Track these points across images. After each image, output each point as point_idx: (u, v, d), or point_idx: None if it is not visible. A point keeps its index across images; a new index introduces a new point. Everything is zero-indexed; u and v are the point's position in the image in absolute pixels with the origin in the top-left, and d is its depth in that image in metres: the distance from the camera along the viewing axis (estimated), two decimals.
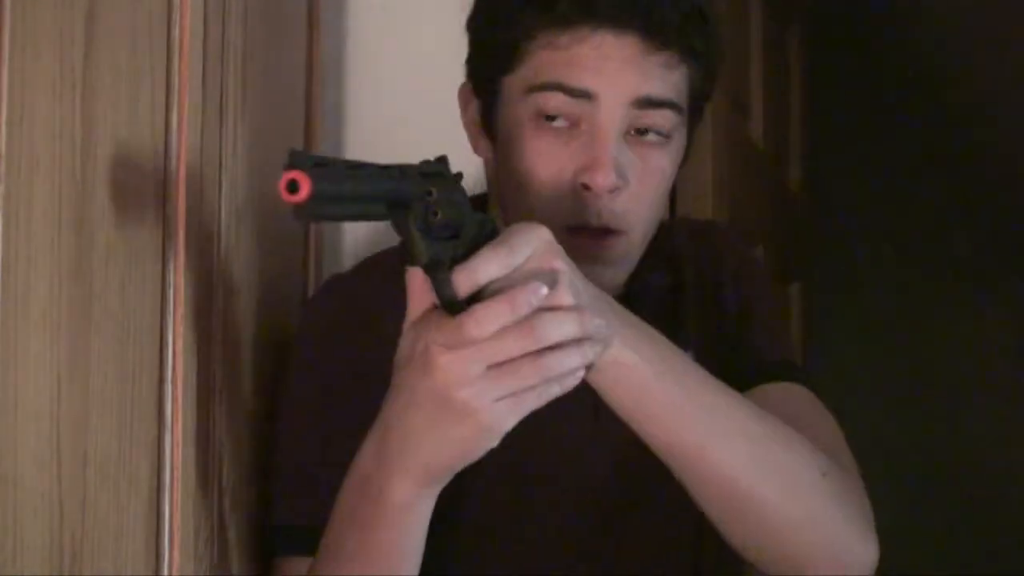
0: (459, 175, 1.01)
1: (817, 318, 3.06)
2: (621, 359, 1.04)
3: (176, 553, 1.08)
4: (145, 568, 1.05)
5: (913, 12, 3.44)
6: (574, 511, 1.24)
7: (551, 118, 1.19)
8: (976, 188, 3.40)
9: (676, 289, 1.32)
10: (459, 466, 1.00)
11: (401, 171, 0.96)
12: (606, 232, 1.19)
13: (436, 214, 0.96)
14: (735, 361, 1.28)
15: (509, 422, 0.97)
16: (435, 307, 0.98)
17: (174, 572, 1.07)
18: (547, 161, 1.18)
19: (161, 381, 1.08)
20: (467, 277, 0.96)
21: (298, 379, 1.24)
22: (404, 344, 1.00)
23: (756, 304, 1.35)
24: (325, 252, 1.51)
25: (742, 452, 1.10)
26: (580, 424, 1.22)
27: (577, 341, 0.98)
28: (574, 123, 1.19)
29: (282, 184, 0.87)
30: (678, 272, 1.33)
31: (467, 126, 1.27)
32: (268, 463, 1.24)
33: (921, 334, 3.39)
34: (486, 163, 1.28)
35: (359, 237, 1.58)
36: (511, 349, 0.95)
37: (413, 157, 0.98)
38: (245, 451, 1.23)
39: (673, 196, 2.09)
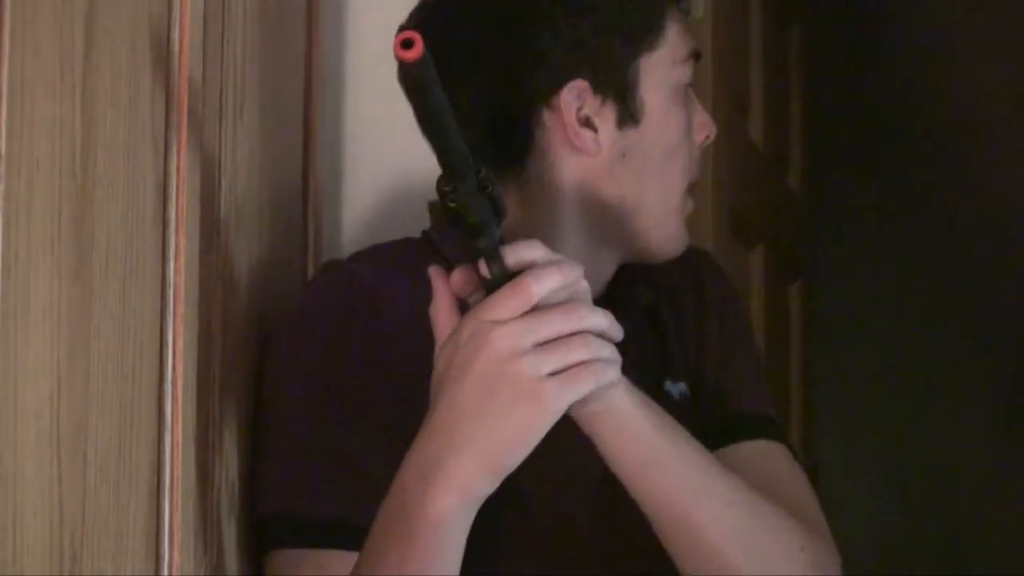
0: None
1: (817, 318, 3.06)
2: (621, 406, 1.06)
3: (176, 553, 1.08)
4: (145, 568, 1.05)
5: (913, 12, 3.45)
6: (574, 511, 1.23)
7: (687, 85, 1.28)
8: (976, 188, 3.40)
9: (655, 311, 1.33)
10: (511, 459, 0.99)
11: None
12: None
13: (486, 188, 0.99)
14: (716, 411, 1.30)
15: (563, 399, 0.98)
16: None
17: (174, 572, 1.07)
18: (689, 126, 1.28)
19: (161, 381, 1.07)
20: (513, 254, 0.99)
21: (296, 361, 1.22)
22: (440, 360, 1.01)
23: (738, 348, 1.36)
24: (325, 252, 1.51)
25: (725, 517, 1.12)
26: (558, 449, 1.21)
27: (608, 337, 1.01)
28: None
29: (397, 41, 0.91)
30: (656, 292, 1.33)
31: (571, 126, 1.23)
32: (257, 450, 1.22)
33: (921, 334, 3.39)
34: (566, 166, 1.25)
35: (359, 238, 1.58)
36: (556, 323, 0.98)
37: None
38: (245, 451, 1.23)
39: None
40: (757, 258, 2.45)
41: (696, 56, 1.28)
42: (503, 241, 1.01)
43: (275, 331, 1.25)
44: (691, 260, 1.39)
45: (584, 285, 1.02)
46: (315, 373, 1.20)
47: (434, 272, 1.03)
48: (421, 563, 1.01)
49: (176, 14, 1.10)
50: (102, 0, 0.98)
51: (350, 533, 1.07)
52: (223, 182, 1.20)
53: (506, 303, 0.97)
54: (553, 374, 0.98)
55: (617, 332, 1.02)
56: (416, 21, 1.26)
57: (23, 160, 0.88)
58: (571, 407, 1.01)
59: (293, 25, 1.47)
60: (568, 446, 1.21)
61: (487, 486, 1.00)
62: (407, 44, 0.91)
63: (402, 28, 0.94)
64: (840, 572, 1.21)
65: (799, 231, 2.95)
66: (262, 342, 1.27)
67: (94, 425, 0.97)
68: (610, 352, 1.01)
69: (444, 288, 1.02)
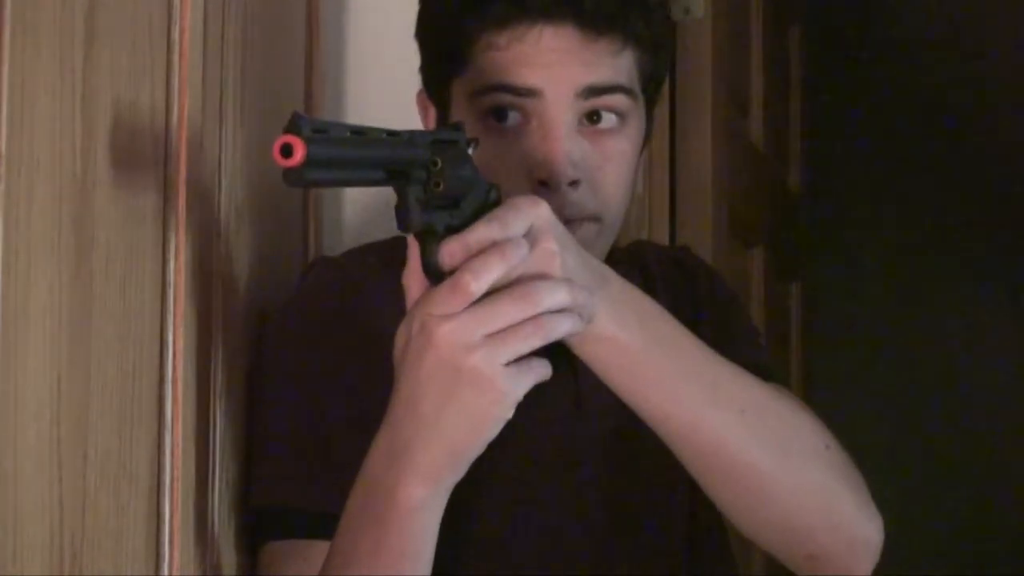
0: (473, 141, 1.01)
1: (817, 318, 3.06)
2: (605, 333, 1.05)
3: (176, 553, 1.08)
4: (145, 568, 1.05)
5: (913, 12, 3.45)
6: (561, 502, 1.23)
7: (502, 117, 1.19)
8: (976, 188, 3.40)
9: (648, 291, 1.33)
10: (476, 447, 0.99)
11: (410, 138, 0.96)
12: (568, 222, 1.17)
13: (438, 185, 0.96)
14: None
15: (521, 387, 0.97)
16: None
17: (174, 572, 1.07)
18: (501, 160, 1.16)
19: (161, 381, 1.07)
20: (457, 247, 0.96)
21: (287, 354, 1.22)
22: (399, 339, 1.00)
23: (731, 315, 1.36)
24: (326, 252, 1.51)
25: (737, 422, 1.11)
26: (563, 415, 1.22)
27: (568, 309, 0.98)
28: (525, 119, 1.18)
29: (276, 147, 0.87)
30: (650, 287, 1.33)
31: (426, 127, 1.26)
32: (249, 442, 1.21)
33: (921, 334, 3.39)
34: None
35: (359, 238, 1.58)
36: (509, 313, 0.96)
37: None
38: (245, 451, 1.23)
39: (673, 196, 2.10)
40: (757, 258, 2.46)
41: (504, 88, 1.18)
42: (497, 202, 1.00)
43: (267, 325, 1.26)
44: (675, 255, 1.42)
45: (545, 218, 0.99)
46: (306, 366, 1.20)
47: (410, 240, 1.00)
48: (396, 548, 1.01)
49: (176, 14, 1.10)
50: (102, 0, 0.98)
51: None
52: (223, 182, 1.20)
53: (447, 300, 0.95)
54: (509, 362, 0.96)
55: (583, 298, 1.00)
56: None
57: (23, 160, 0.88)
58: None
59: (293, 25, 1.47)
60: (554, 444, 1.21)
61: (455, 473, 1.00)
62: (286, 151, 0.88)
63: (290, 122, 0.89)
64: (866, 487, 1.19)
65: (799, 231, 2.95)
66: (257, 339, 1.27)
67: (94, 425, 0.97)
68: (569, 325, 0.98)
69: (417, 254, 1.00)
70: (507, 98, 1.18)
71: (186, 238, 1.10)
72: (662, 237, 2.01)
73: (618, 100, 1.20)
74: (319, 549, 1.09)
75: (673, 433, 1.11)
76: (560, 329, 0.98)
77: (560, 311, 0.98)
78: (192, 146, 1.11)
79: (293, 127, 0.88)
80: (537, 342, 0.97)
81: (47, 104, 0.91)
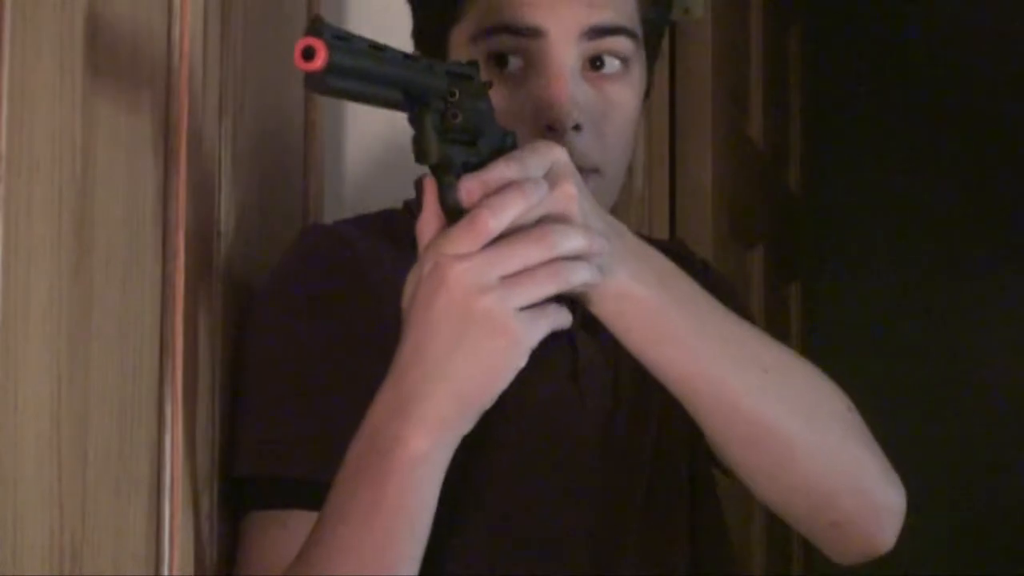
0: (488, 84, 1.00)
1: (817, 318, 3.06)
2: (624, 289, 1.02)
3: (176, 553, 1.07)
4: (145, 568, 1.05)
5: (913, 11, 3.45)
6: (554, 477, 1.20)
7: (503, 63, 1.16)
8: (976, 187, 3.40)
9: None
10: (485, 397, 0.96)
11: (428, 65, 0.94)
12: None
13: (456, 116, 0.94)
14: None
15: (535, 334, 0.95)
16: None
17: (174, 572, 1.07)
18: (503, 107, 1.10)
19: (161, 381, 1.07)
20: (476, 185, 0.94)
21: (277, 318, 1.18)
22: (409, 283, 0.97)
23: (731, 303, 1.35)
24: None
25: (760, 381, 1.09)
26: (560, 388, 1.20)
27: (585, 257, 0.97)
28: (528, 63, 1.16)
29: (298, 49, 0.85)
30: None
31: None
32: (235, 410, 1.17)
33: (921, 334, 3.39)
34: None
35: None
36: (525, 255, 0.94)
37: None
38: None
39: (673, 196, 2.10)
40: (757, 258, 2.46)
41: (507, 29, 1.15)
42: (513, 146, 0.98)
43: (258, 291, 1.22)
44: (670, 245, 1.39)
45: (565, 162, 0.97)
46: (295, 329, 1.16)
47: (426, 182, 0.98)
48: (394, 505, 0.97)
49: (176, 14, 1.10)
50: (102, 1, 0.98)
51: (324, 492, 1.02)
52: (223, 182, 1.20)
53: (463, 238, 0.93)
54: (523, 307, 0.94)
55: (600, 246, 0.98)
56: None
57: (23, 160, 0.88)
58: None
59: (293, 25, 1.47)
60: (549, 418, 1.20)
61: (463, 425, 0.97)
62: (308, 54, 0.85)
63: (311, 25, 0.86)
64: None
65: (799, 231, 2.95)
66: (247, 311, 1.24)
67: (94, 425, 0.97)
68: (586, 274, 0.96)
69: (433, 199, 0.97)
70: (509, 41, 1.15)
71: (186, 238, 1.10)
72: (662, 237, 2.01)
73: (622, 43, 1.18)
74: (300, 518, 1.05)
75: (694, 393, 1.08)
76: (576, 278, 0.96)
77: (576, 259, 0.96)
78: (192, 146, 1.11)
79: (315, 30, 0.86)
80: (551, 289, 0.95)
81: (47, 104, 0.91)
